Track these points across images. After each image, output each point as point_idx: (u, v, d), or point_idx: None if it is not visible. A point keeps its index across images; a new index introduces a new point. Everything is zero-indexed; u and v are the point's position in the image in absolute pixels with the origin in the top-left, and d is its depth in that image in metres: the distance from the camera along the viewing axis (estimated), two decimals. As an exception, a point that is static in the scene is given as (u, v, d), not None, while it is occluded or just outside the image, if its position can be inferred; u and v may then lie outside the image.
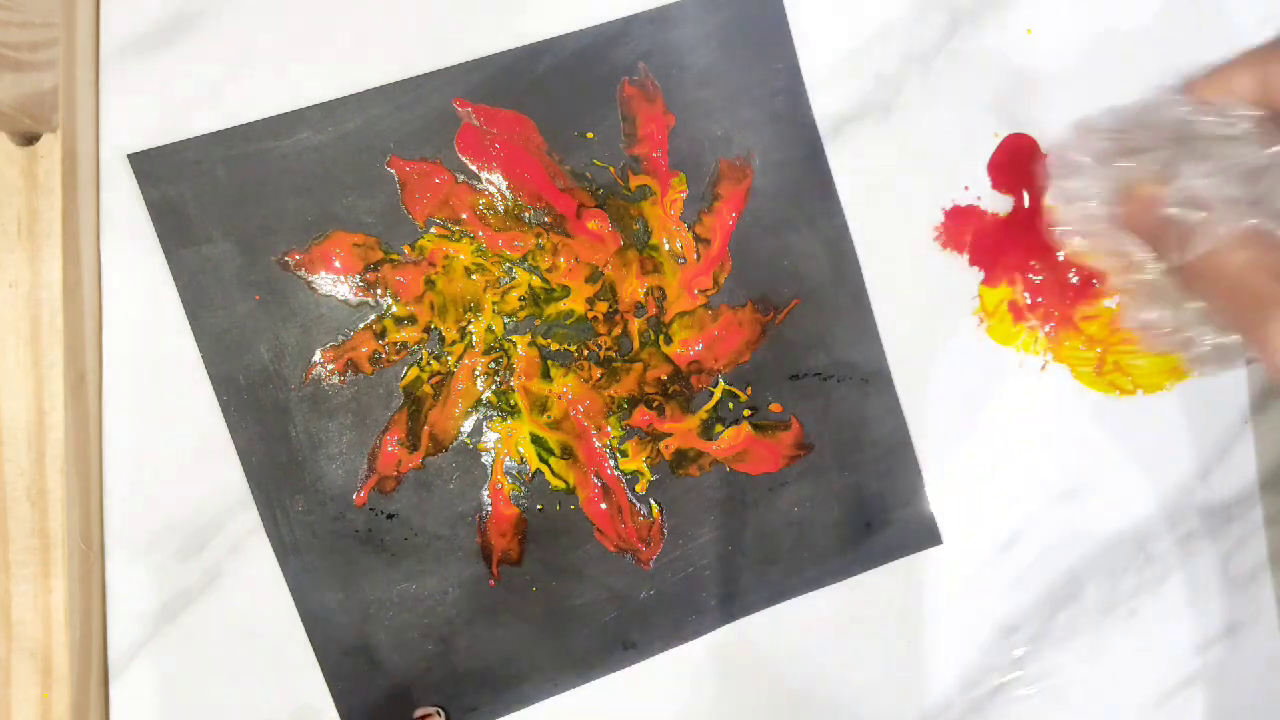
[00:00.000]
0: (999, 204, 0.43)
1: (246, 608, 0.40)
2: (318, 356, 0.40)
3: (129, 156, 0.38)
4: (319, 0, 0.40)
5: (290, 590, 0.40)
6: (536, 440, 0.41)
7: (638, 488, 0.42)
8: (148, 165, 0.39)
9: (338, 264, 0.40)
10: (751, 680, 0.43)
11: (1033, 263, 0.43)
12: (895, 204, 0.43)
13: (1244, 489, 0.44)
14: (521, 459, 0.41)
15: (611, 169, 0.41)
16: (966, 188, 0.43)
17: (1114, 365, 0.43)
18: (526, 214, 0.40)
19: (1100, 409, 0.44)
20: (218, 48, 0.39)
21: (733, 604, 0.43)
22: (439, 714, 0.40)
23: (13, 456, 0.37)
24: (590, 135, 0.41)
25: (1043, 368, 0.43)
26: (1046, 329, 0.43)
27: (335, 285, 0.40)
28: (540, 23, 0.40)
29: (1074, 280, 0.43)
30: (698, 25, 0.41)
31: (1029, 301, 0.43)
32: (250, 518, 0.40)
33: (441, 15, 0.40)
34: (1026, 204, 0.43)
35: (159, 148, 0.39)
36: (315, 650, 0.40)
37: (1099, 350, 0.43)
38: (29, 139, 0.36)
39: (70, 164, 0.37)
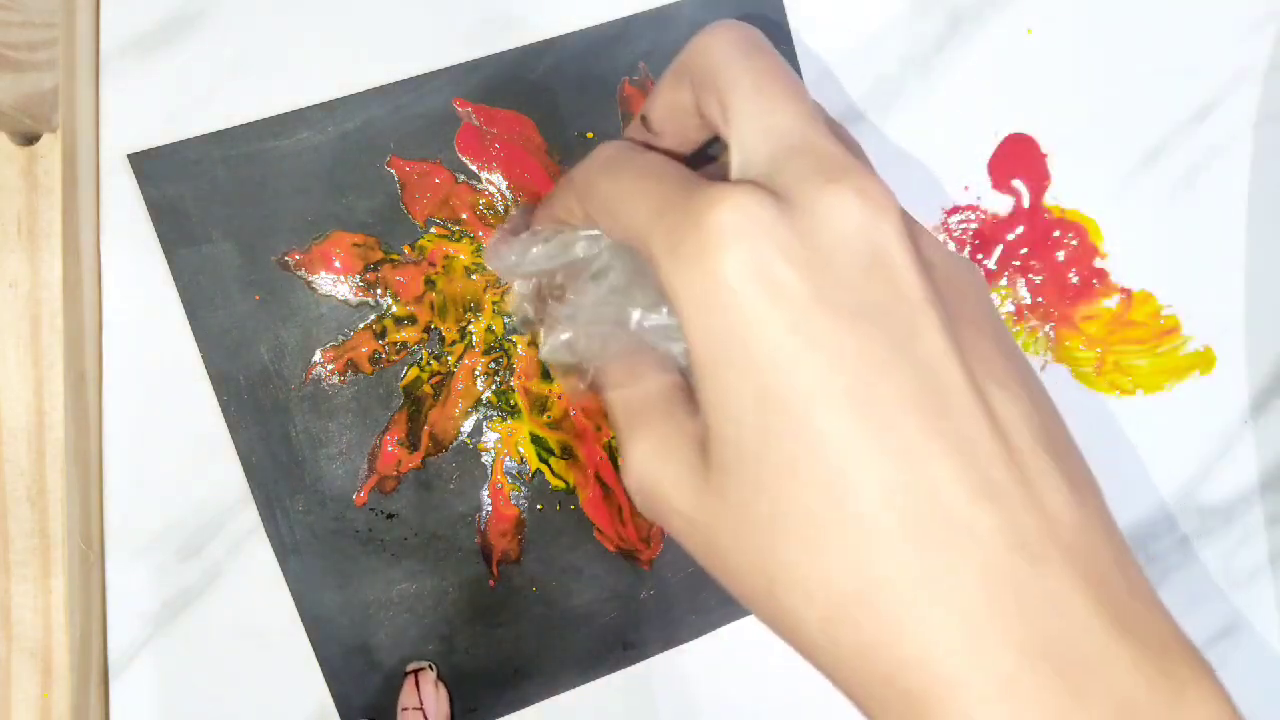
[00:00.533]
0: (999, 204, 0.43)
1: (246, 608, 0.40)
2: (318, 356, 0.39)
3: (129, 156, 0.38)
4: (320, 1, 0.39)
5: (290, 591, 0.40)
6: (536, 440, 0.41)
7: (638, 488, 0.41)
8: (147, 165, 0.38)
9: (338, 264, 0.39)
10: (751, 683, 0.43)
11: (1033, 263, 0.43)
12: (895, 204, 0.42)
13: (1244, 489, 0.44)
14: (521, 459, 0.41)
15: (611, 169, 0.40)
16: (966, 188, 0.43)
17: (1114, 365, 0.43)
18: (527, 214, 0.40)
19: (1100, 409, 0.44)
20: (218, 48, 0.39)
21: (733, 604, 0.41)
22: (431, 668, 0.40)
23: (13, 456, 0.36)
24: (590, 135, 0.40)
25: (1042, 368, 0.43)
26: (1046, 329, 0.43)
27: (335, 285, 0.39)
28: (540, 23, 0.40)
29: (1074, 280, 0.43)
30: (698, 26, 0.40)
31: (1029, 301, 0.43)
32: (250, 517, 0.39)
33: (441, 15, 0.40)
34: (1026, 204, 0.43)
35: (158, 147, 0.38)
36: (315, 651, 0.40)
37: (1099, 350, 0.43)
38: (29, 139, 0.36)
39: (70, 164, 0.36)
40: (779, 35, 0.41)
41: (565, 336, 0.32)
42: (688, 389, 0.31)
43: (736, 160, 0.27)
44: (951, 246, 0.43)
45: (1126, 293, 0.43)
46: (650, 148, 0.32)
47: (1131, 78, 0.42)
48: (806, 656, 0.26)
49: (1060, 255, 0.43)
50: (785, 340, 0.24)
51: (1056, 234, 0.43)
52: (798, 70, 0.42)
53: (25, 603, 0.36)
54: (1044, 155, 0.43)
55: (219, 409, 0.39)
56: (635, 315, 0.30)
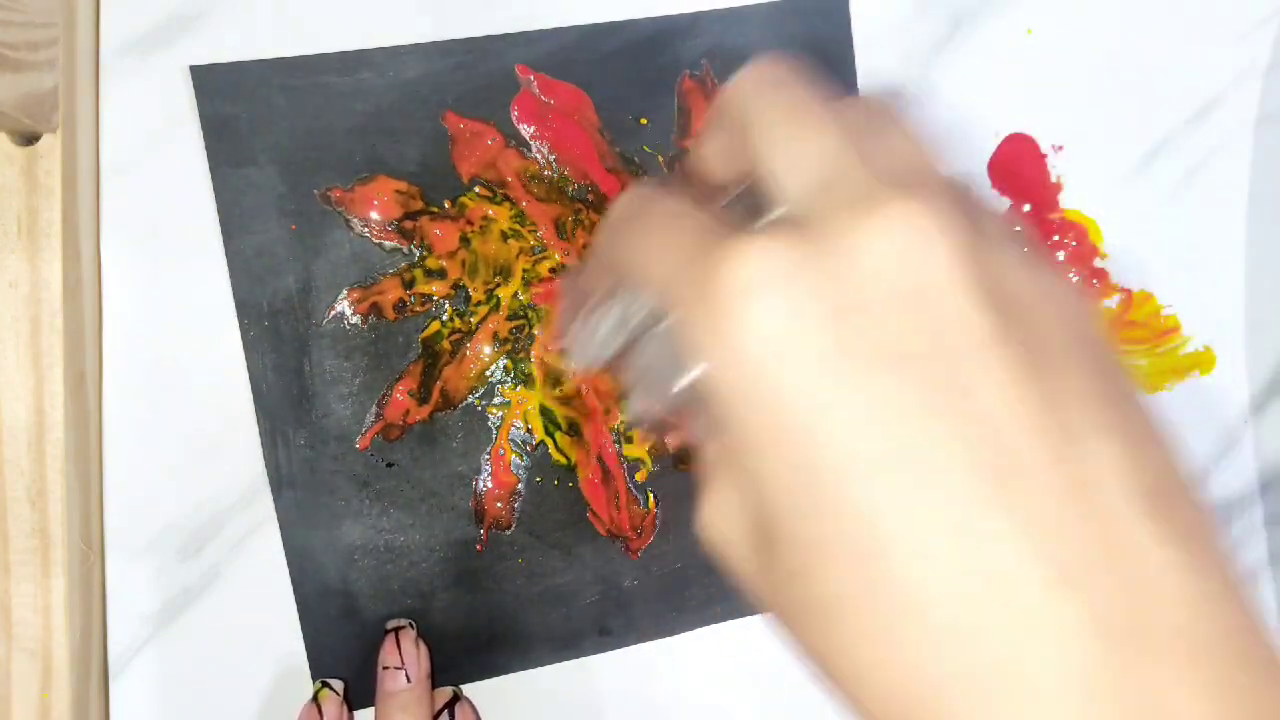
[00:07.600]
0: (999, 204, 0.42)
1: (246, 608, 0.37)
2: (343, 295, 0.37)
3: (191, 68, 0.37)
4: (321, 2, 0.39)
5: (279, 524, 0.37)
6: (545, 413, 0.39)
7: (638, 476, 0.39)
8: (208, 80, 0.37)
9: (377, 206, 0.38)
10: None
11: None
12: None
13: (1244, 489, 0.42)
14: (528, 429, 0.39)
15: (660, 157, 0.40)
16: (966, 188, 0.42)
17: (1115, 364, 0.41)
18: (570, 188, 0.39)
19: (1100, 408, 0.41)
20: (218, 48, 0.38)
21: (714, 607, 0.40)
22: (411, 625, 0.37)
23: (13, 456, 0.34)
24: (644, 121, 0.40)
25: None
26: (1046, 328, 0.41)
27: (371, 228, 0.38)
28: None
29: (1074, 280, 0.42)
30: (765, 32, 0.41)
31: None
32: (250, 517, 0.37)
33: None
34: (1026, 206, 0.42)
35: (223, 64, 0.37)
36: (294, 588, 0.37)
37: (1099, 349, 0.41)
38: (29, 139, 0.35)
39: (70, 164, 0.35)
40: (841, 57, 0.41)
41: (638, 398, 0.28)
42: None
43: (769, 200, 0.23)
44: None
45: (1126, 293, 0.42)
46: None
47: (1131, 78, 0.42)
48: None
49: (1060, 255, 0.42)
50: (804, 400, 0.20)
51: (1056, 235, 0.42)
52: (855, 91, 0.41)
53: (25, 603, 0.34)
54: (1044, 156, 0.42)
55: (220, 409, 0.37)
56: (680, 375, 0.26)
